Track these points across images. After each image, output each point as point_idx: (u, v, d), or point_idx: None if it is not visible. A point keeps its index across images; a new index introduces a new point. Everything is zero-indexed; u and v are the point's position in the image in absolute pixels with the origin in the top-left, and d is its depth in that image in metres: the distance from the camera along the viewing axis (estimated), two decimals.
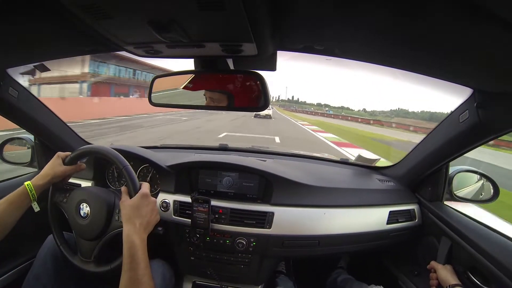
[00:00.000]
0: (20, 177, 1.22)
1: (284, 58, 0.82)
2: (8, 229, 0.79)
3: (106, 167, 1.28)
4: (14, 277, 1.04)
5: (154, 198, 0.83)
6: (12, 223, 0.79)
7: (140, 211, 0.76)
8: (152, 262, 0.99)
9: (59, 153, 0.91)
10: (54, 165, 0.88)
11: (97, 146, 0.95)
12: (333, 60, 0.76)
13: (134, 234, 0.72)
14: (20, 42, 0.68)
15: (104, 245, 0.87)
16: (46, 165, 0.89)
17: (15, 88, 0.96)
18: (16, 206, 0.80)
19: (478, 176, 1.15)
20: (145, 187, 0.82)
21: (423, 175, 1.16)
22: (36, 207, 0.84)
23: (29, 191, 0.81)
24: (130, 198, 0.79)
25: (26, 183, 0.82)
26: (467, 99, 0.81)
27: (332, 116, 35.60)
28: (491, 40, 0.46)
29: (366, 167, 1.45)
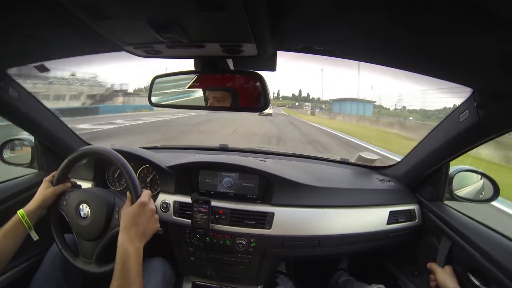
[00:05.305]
0: (20, 178, 1.22)
1: (284, 58, 0.82)
2: (7, 259, 0.78)
3: (106, 168, 1.28)
4: (14, 277, 1.04)
5: (153, 207, 0.80)
6: (10, 253, 0.78)
7: (137, 220, 0.75)
8: (153, 260, 1.00)
9: (45, 178, 0.92)
10: (42, 189, 0.89)
11: (96, 146, 0.95)
12: (333, 59, 0.76)
13: (127, 243, 0.71)
14: (20, 42, 0.68)
15: (105, 245, 0.87)
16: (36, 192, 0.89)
17: (15, 89, 0.96)
18: (12, 236, 0.79)
19: (479, 176, 1.14)
20: (145, 195, 0.80)
21: (423, 175, 1.16)
22: (34, 236, 0.83)
23: (21, 217, 0.81)
24: (132, 204, 0.78)
25: (18, 211, 0.82)
26: (467, 99, 0.81)
27: None
28: (491, 40, 0.46)
29: (366, 167, 1.45)
